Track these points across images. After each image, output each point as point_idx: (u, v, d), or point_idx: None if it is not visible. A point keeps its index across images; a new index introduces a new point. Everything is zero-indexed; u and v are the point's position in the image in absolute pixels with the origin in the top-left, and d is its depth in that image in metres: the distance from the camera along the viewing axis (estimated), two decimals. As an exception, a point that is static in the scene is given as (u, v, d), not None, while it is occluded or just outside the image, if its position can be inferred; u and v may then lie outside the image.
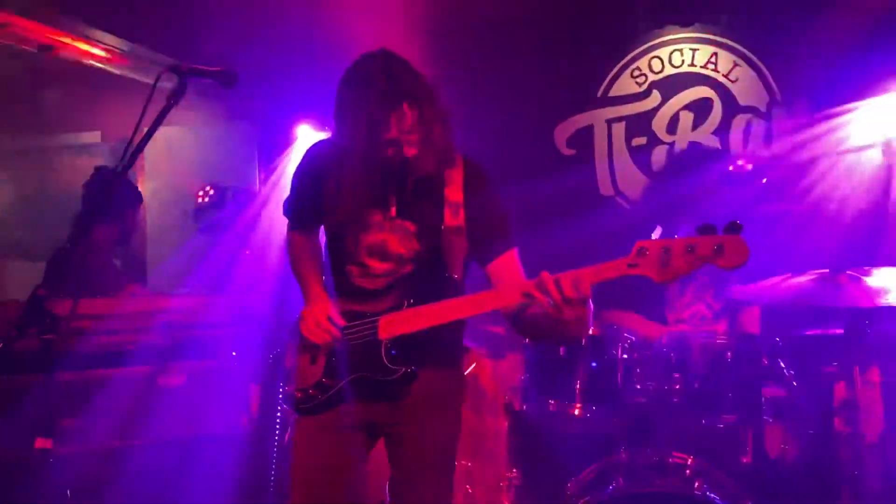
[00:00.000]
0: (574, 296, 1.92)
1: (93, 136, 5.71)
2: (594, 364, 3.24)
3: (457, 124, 2.28)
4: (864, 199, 3.98)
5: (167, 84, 2.17)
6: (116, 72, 4.99)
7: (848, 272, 3.29)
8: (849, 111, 4.20)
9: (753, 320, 3.65)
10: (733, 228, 1.75)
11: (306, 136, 4.98)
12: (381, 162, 2.19)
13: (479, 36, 4.85)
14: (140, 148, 2.19)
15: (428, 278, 2.21)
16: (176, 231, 5.09)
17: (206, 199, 5.03)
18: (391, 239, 2.25)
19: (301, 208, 2.43)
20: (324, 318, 2.25)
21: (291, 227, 2.50)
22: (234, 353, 3.32)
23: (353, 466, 2.33)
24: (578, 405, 3.25)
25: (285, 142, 5.00)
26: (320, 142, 2.45)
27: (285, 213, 2.49)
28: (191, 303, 3.45)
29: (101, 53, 4.80)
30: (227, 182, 5.07)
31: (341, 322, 2.25)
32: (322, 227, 2.44)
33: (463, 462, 3.58)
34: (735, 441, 3.31)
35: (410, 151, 2.18)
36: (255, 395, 3.47)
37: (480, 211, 2.26)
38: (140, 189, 5.18)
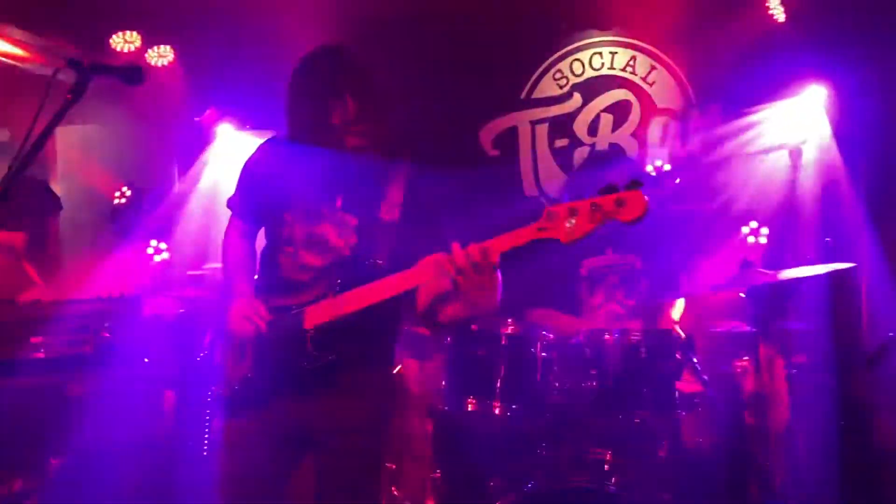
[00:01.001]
0: (482, 261, 1.96)
1: (0, 135, 5.45)
2: (513, 363, 3.27)
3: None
4: (772, 200, 4.15)
5: (68, 80, 2.08)
6: (24, 67, 4.77)
7: (757, 270, 3.42)
8: (758, 114, 4.37)
9: (674, 316, 3.75)
10: (633, 185, 1.84)
11: (226, 135, 4.88)
12: (325, 151, 2.22)
13: (403, 37, 4.84)
14: (36, 147, 2.08)
15: (357, 270, 2.21)
16: (91, 232, 4.91)
17: (123, 200, 4.89)
18: (332, 231, 2.25)
19: (247, 200, 2.42)
20: (250, 311, 2.23)
21: (234, 220, 2.48)
22: (146, 360, 3.22)
23: (279, 479, 2.29)
24: (498, 404, 3.27)
25: (204, 141, 4.88)
26: (272, 138, 2.45)
27: (230, 205, 2.47)
28: (103, 306, 3.33)
29: (8, 48, 4.59)
30: (144, 182, 4.94)
31: (267, 315, 2.23)
32: (262, 227, 2.43)
33: (388, 464, 3.56)
34: (651, 435, 3.38)
35: (352, 142, 2.21)
36: (169, 401, 3.37)
37: (416, 215, 2.28)
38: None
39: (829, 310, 3.56)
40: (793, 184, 4.10)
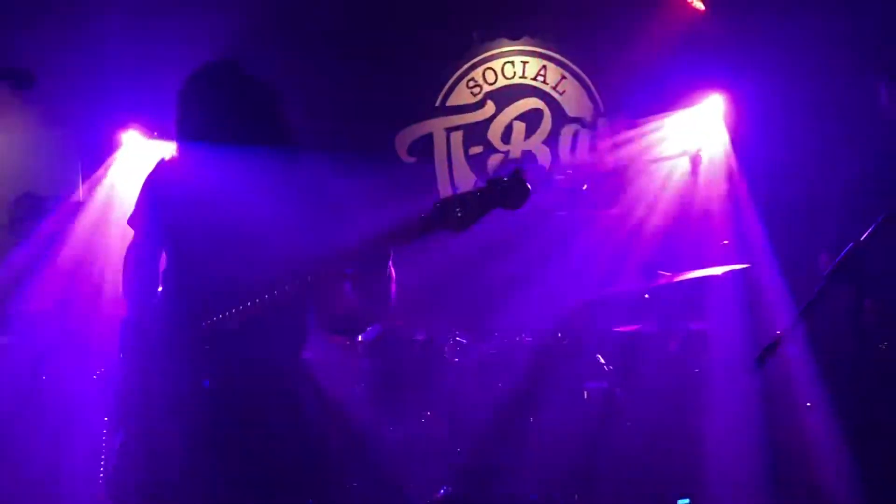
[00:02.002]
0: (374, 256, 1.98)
1: None
2: (425, 369, 3.29)
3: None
4: (674, 204, 4.32)
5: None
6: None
7: (659, 272, 3.56)
8: (662, 122, 4.54)
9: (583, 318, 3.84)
10: (517, 173, 1.93)
11: (133, 141, 4.73)
12: (229, 168, 2.17)
13: (318, 43, 4.82)
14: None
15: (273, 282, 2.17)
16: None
17: (21, 210, 4.67)
18: (241, 249, 2.19)
19: (150, 219, 2.34)
20: None
21: (136, 240, 2.40)
22: (43, 377, 3.09)
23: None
24: (412, 411, 3.29)
25: (109, 148, 4.72)
26: (171, 157, 2.35)
27: (131, 224, 2.39)
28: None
29: None
30: (46, 191, 4.73)
31: None
32: (165, 247, 2.36)
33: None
34: (563, 437, 3.46)
35: (255, 157, 2.17)
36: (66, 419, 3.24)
37: (324, 213, 2.24)
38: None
39: (728, 309, 3.72)
40: (693, 189, 4.28)
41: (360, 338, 3.33)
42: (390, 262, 2.09)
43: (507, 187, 1.96)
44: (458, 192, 2.00)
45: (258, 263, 2.16)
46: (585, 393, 3.47)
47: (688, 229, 4.15)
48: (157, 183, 2.33)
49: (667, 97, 4.55)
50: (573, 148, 4.90)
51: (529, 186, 1.94)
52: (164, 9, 4.46)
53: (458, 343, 3.35)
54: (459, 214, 1.96)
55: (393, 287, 2.12)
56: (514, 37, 4.91)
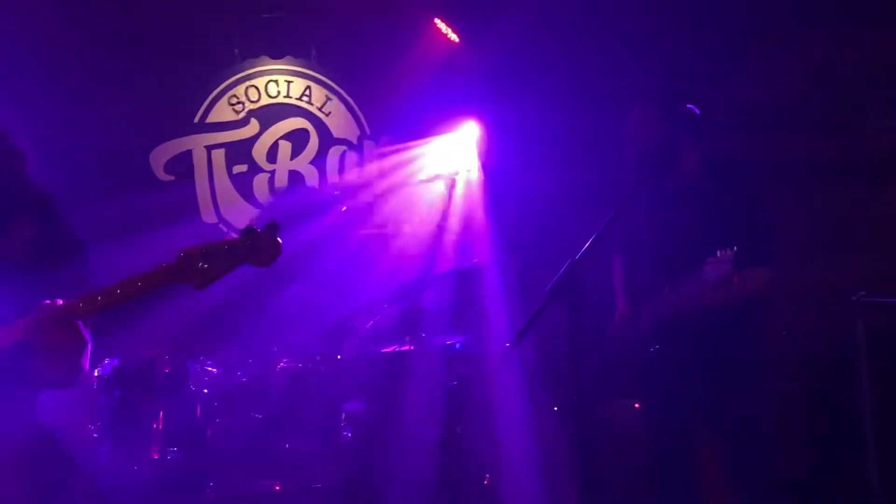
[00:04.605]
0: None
1: None
2: (171, 402, 3.12)
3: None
4: (431, 223, 4.49)
5: None
6: None
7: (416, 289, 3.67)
8: (421, 146, 4.73)
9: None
10: (270, 229, 1.83)
11: None
12: None
13: (66, 51, 4.44)
14: None
15: None
16: None
17: None
18: None
19: None
20: None
21: None
22: None
23: None
24: (157, 447, 3.10)
25: None
26: None
27: None
28: None
29: None
30: None
31: None
32: None
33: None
34: (322, 460, 3.43)
35: None
36: None
37: (52, 257, 2.04)
38: None
39: (481, 327, 3.92)
40: (448, 210, 4.48)
41: (95, 372, 3.07)
42: (82, 328, 1.91)
43: (258, 245, 1.83)
44: (206, 241, 1.86)
45: None
46: (344, 414, 3.48)
47: (443, 249, 4.33)
48: None
49: (427, 122, 4.73)
50: (340, 169, 4.93)
51: (281, 242, 1.84)
52: None
53: (206, 373, 3.21)
54: (205, 268, 1.82)
55: (86, 353, 1.95)
56: (276, 56, 4.85)
